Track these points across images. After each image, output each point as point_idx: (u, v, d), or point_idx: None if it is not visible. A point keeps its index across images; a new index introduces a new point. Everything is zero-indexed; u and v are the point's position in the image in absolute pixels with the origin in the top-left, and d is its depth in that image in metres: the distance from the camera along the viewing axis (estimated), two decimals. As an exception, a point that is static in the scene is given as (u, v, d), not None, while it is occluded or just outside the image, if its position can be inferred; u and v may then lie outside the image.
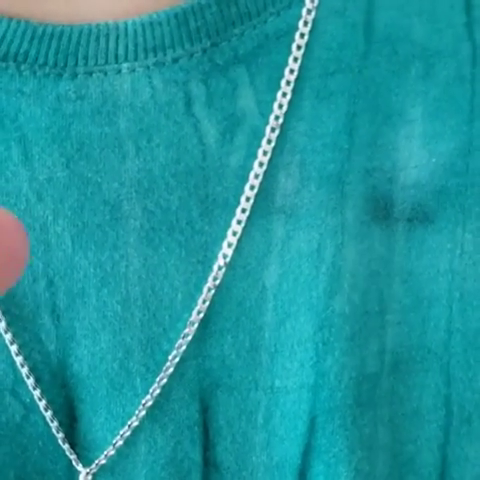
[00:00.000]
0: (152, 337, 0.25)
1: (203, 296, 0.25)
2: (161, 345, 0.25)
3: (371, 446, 0.26)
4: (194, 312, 0.25)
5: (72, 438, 0.26)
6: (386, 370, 0.26)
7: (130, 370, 0.25)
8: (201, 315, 0.25)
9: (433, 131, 0.26)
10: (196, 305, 0.25)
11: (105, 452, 0.25)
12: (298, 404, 0.26)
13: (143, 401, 0.25)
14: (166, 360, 0.25)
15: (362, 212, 0.26)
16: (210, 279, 0.25)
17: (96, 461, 0.26)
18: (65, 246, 0.25)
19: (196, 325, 0.25)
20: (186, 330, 0.25)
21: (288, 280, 0.25)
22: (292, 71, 0.25)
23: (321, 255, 0.26)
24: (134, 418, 0.25)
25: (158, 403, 0.25)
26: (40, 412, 0.25)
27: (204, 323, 0.25)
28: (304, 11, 0.25)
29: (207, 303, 0.25)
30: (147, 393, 0.25)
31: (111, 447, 0.25)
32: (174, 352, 0.25)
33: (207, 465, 0.26)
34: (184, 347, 0.25)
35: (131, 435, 0.25)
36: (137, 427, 0.25)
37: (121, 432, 0.25)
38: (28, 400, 0.25)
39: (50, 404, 0.25)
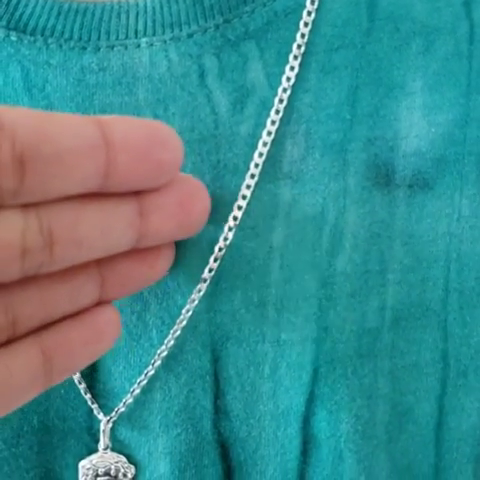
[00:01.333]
0: (167, 291, 0.27)
1: (214, 255, 0.27)
2: (175, 299, 0.27)
3: (371, 395, 0.28)
4: (206, 270, 0.27)
5: (93, 387, 0.28)
6: (386, 325, 0.28)
7: (147, 322, 0.27)
8: (212, 273, 0.27)
9: (432, 103, 0.28)
10: (208, 263, 0.27)
11: (124, 400, 0.28)
12: (302, 356, 0.28)
13: (158, 351, 0.27)
14: (180, 313, 0.27)
15: (364, 178, 0.27)
16: (221, 239, 0.27)
17: (115, 409, 0.28)
18: None
19: (208, 282, 0.27)
20: (199, 286, 0.27)
21: (294, 241, 0.27)
22: (299, 46, 0.27)
23: (324, 217, 0.27)
24: (150, 367, 0.27)
25: (172, 354, 0.27)
26: None
27: (215, 280, 0.27)
28: None
29: (218, 261, 0.27)
30: (162, 344, 0.27)
31: (129, 395, 0.28)
32: (187, 306, 0.27)
33: (217, 412, 0.28)
34: (197, 302, 0.27)
35: (147, 384, 0.27)
36: (153, 376, 0.27)
37: (138, 381, 0.27)
38: None
39: None
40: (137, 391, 0.28)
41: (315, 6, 0.27)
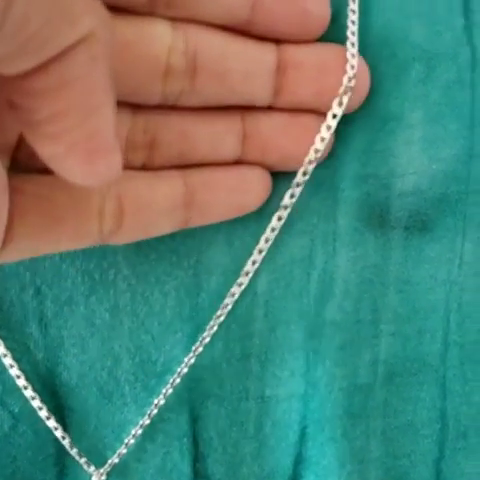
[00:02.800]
0: (140, 345, 0.25)
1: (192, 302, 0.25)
2: (150, 353, 0.25)
3: (362, 459, 0.25)
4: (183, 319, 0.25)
5: (61, 446, 0.26)
6: (379, 381, 0.25)
7: (119, 378, 0.25)
8: (190, 323, 0.25)
9: (433, 136, 0.25)
10: (185, 312, 0.25)
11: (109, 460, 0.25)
12: (288, 413, 0.25)
13: (132, 410, 0.25)
14: (155, 369, 0.25)
15: (355, 219, 0.25)
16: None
17: (94, 470, 0.25)
18: (52, 254, 0.25)
19: (185, 332, 0.25)
20: (174, 338, 0.25)
21: (279, 286, 0.25)
22: None
23: (313, 261, 0.25)
24: (124, 427, 0.25)
25: (147, 413, 0.25)
26: (29, 422, 0.25)
27: (193, 331, 0.25)
28: None
29: (196, 310, 0.25)
30: (135, 402, 0.25)
31: (111, 456, 0.25)
32: (162, 360, 0.25)
33: (197, 476, 0.26)
34: (173, 356, 0.25)
35: (122, 445, 0.25)
36: (127, 436, 0.25)
37: (112, 441, 0.25)
38: (17, 410, 0.25)
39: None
40: (111, 453, 0.25)
41: None
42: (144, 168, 0.23)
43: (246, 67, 0.23)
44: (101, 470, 0.25)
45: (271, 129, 0.24)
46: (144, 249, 0.25)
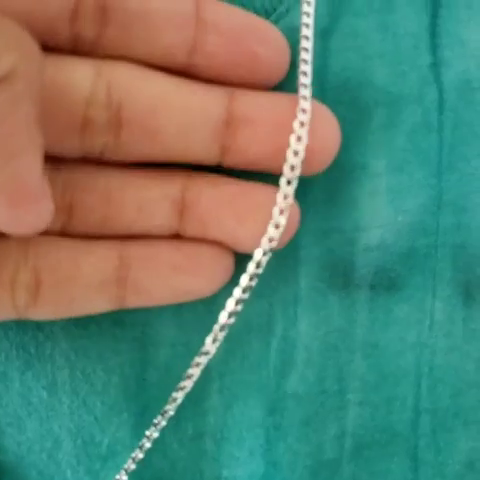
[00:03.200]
0: (83, 426, 0.22)
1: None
2: (93, 435, 0.22)
3: None
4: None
5: None
6: (346, 456, 0.23)
7: (59, 462, 0.23)
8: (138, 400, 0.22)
9: (399, 186, 0.23)
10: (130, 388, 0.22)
11: None
12: None
13: None
14: (99, 452, 0.22)
15: (317, 279, 0.23)
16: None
17: None
18: None
19: (132, 411, 0.22)
20: (121, 417, 0.22)
21: (235, 357, 0.23)
22: None
23: (272, 328, 0.23)
24: None
25: None
26: None
27: (140, 409, 0.22)
28: None
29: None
30: None
31: None
32: (107, 442, 0.22)
33: None
34: (118, 438, 0.22)
35: None
36: None
37: None
38: None
39: None
40: None
41: None
42: (63, 234, 0.21)
43: (182, 121, 0.20)
44: None
45: (214, 200, 0.21)
46: (83, 320, 0.22)
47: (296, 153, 0.21)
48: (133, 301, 0.21)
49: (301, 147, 0.21)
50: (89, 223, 0.21)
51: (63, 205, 0.20)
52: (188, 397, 0.22)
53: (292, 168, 0.21)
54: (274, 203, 0.21)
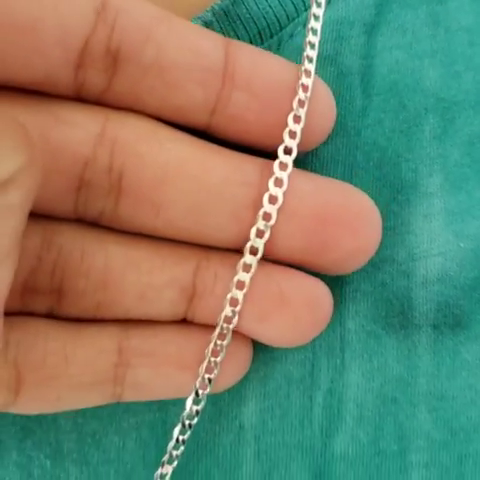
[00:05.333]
0: None
1: None
2: None
3: None
4: None
5: None
6: None
7: None
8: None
9: (458, 206, 0.20)
10: None
11: None
12: None
13: None
14: None
15: (369, 319, 0.20)
16: None
17: None
18: None
19: None
20: None
21: (273, 417, 0.20)
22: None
23: (315, 380, 0.20)
24: None
25: None
26: None
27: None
28: (303, 61, 0.19)
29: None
30: None
31: None
32: None
33: None
34: None
35: None
36: None
37: None
38: None
39: None
40: None
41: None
42: (51, 316, 0.18)
43: (195, 197, 0.17)
44: None
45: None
46: None
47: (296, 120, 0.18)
48: (131, 397, 0.18)
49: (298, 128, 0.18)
50: (81, 308, 0.18)
51: (51, 288, 0.17)
52: (218, 466, 0.19)
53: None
54: (303, 291, 0.18)
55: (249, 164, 0.17)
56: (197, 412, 0.18)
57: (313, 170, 0.20)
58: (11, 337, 0.17)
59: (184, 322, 0.18)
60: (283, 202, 0.17)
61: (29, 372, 0.17)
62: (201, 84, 0.17)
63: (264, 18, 0.20)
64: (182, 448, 0.18)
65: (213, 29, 0.19)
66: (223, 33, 0.19)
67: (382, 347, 0.20)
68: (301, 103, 0.17)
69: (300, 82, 0.17)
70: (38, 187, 0.15)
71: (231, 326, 0.18)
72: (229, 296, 0.17)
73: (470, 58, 0.20)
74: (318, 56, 0.20)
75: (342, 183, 0.18)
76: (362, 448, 0.20)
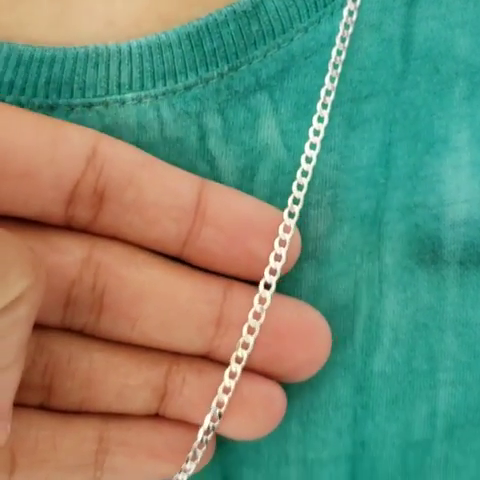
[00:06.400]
0: None
1: None
2: None
3: None
4: None
5: None
6: (438, 436, 0.23)
7: None
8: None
9: None
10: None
11: None
12: (335, 477, 0.22)
13: None
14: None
15: (404, 255, 0.22)
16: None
17: None
18: None
19: None
20: None
21: None
22: (329, 93, 0.22)
23: (357, 306, 0.22)
24: None
25: None
26: None
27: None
28: (341, 25, 0.22)
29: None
30: None
31: None
32: None
33: None
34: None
35: None
36: None
37: None
38: None
39: None
40: None
41: (346, 44, 0.22)
42: (42, 407, 0.21)
43: (166, 313, 0.20)
44: None
45: (197, 391, 0.21)
46: None
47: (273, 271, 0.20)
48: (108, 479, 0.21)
49: (278, 266, 0.20)
50: (68, 402, 0.21)
51: (42, 385, 0.20)
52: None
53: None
54: (260, 393, 0.21)
55: (214, 284, 0.20)
56: None
57: (356, 126, 0.22)
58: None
59: (157, 417, 0.21)
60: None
61: (22, 456, 0.20)
62: (175, 220, 0.19)
63: None
64: None
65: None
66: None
67: (415, 280, 0.22)
68: (282, 243, 0.20)
69: (283, 224, 0.20)
70: (39, 303, 0.17)
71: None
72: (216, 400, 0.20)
73: None
74: (364, 24, 0.22)
75: (298, 302, 0.21)
76: (397, 366, 0.22)
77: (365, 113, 0.22)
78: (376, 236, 0.22)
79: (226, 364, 0.20)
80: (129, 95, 0.21)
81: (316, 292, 0.22)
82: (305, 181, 0.21)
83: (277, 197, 0.22)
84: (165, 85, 0.21)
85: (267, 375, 0.21)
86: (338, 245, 0.22)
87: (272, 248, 0.20)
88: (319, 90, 0.22)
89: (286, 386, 0.22)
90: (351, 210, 0.22)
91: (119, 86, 0.21)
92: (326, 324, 0.21)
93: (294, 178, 0.21)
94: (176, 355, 0.21)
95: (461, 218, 0.22)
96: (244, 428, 0.21)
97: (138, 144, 0.21)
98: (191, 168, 0.21)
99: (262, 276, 0.20)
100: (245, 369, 0.20)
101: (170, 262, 0.20)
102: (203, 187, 0.20)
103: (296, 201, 0.21)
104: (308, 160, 0.21)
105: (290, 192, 0.21)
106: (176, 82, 0.21)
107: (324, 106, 0.21)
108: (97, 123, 0.21)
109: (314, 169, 0.21)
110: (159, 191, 0.19)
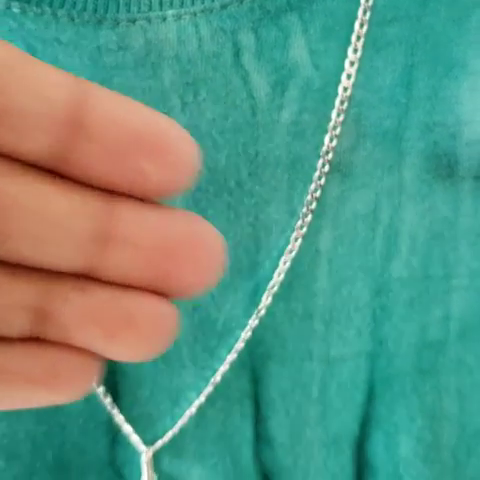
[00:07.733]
0: (199, 305, 0.24)
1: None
2: (209, 313, 0.24)
3: (434, 415, 0.24)
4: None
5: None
6: (452, 337, 0.24)
7: (177, 340, 0.24)
8: (251, 281, 0.24)
9: None
10: (244, 271, 0.24)
11: (164, 430, 0.24)
12: (355, 373, 0.24)
13: (191, 372, 0.24)
14: (215, 329, 0.24)
15: (422, 170, 0.24)
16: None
17: (156, 439, 0.24)
18: None
19: (246, 291, 0.24)
20: (236, 296, 0.24)
21: (343, 243, 0.24)
22: (362, 25, 0.23)
23: (377, 216, 0.24)
24: (184, 393, 0.24)
25: (207, 377, 0.24)
26: None
27: (254, 291, 0.24)
28: None
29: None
30: (195, 364, 0.24)
31: (168, 424, 0.24)
32: (222, 319, 0.24)
33: (258, 440, 0.25)
34: (233, 315, 0.24)
35: (180, 410, 0.24)
36: (186, 401, 0.24)
37: (173, 407, 0.24)
38: None
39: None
40: (167, 421, 0.24)
41: None
42: None
43: (36, 230, 0.17)
44: (153, 447, 0.24)
45: (80, 309, 0.18)
46: (201, 204, 0.24)
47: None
48: None
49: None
50: None
51: None
52: (298, 280, 0.24)
53: None
54: (148, 310, 0.18)
55: (95, 198, 0.17)
56: None
57: (380, 48, 0.23)
58: None
59: (36, 340, 0.18)
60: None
61: None
62: (46, 132, 0.16)
63: None
64: None
65: None
66: None
67: (432, 192, 0.24)
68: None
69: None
70: None
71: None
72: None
73: None
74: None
75: (187, 214, 0.18)
76: (414, 272, 0.24)
77: (389, 36, 0.24)
78: (397, 152, 0.24)
79: (112, 282, 0.18)
80: (170, 12, 0.23)
81: (339, 203, 0.24)
82: (342, 109, 0.23)
83: (305, 113, 0.23)
84: (203, 3, 0.23)
85: (157, 292, 0.18)
86: (361, 159, 0.24)
87: (164, 165, 0.16)
88: (346, 14, 0.23)
89: (311, 286, 0.24)
90: (374, 127, 0.24)
91: (161, 3, 0.23)
92: (218, 236, 0.18)
93: (322, 96, 0.23)
94: (58, 274, 0.18)
95: (476, 137, 0.24)
96: (131, 349, 0.18)
97: (177, 58, 0.23)
98: (225, 82, 0.23)
99: (149, 194, 0.17)
100: (132, 287, 0.18)
101: (46, 175, 0.17)
102: (85, 93, 0.16)
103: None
104: (345, 90, 0.23)
105: (318, 108, 0.23)
106: (213, 1, 0.23)
107: (358, 38, 0.23)
108: (140, 37, 0.22)
109: (350, 97, 0.23)
110: (29, 97, 0.16)
